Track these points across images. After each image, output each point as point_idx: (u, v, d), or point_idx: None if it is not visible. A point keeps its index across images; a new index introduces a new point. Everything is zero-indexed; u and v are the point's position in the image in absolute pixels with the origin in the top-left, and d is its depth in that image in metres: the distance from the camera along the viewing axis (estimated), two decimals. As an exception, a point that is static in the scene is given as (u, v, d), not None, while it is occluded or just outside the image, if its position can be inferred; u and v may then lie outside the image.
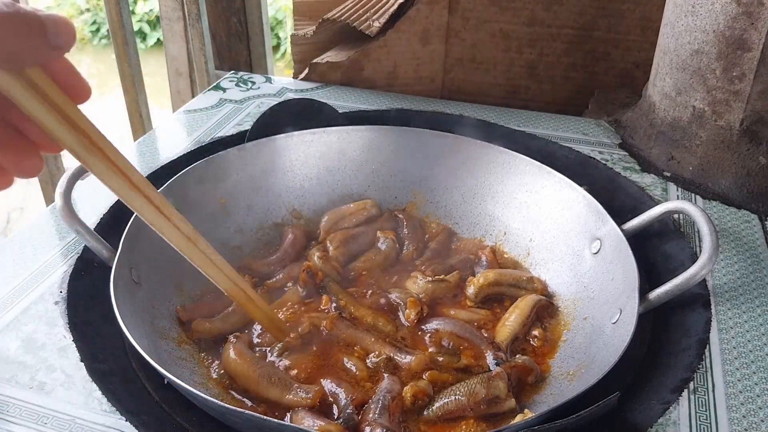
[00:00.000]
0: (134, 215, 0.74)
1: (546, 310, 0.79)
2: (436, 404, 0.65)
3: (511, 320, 0.75)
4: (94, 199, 0.89)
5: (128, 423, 0.60)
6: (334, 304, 0.78)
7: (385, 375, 0.67)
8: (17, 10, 0.35)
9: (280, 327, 0.73)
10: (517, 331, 0.74)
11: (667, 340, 0.73)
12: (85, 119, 0.43)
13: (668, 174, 0.98)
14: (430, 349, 0.72)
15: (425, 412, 0.65)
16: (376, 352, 0.70)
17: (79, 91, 0.42)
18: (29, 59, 0.38)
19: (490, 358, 0.70)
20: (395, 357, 0.70)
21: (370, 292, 0.81)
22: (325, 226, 0.90)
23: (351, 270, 0.85)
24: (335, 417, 0.63)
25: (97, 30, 4.38)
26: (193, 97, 1.49)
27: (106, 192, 0.88)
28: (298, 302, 0.78)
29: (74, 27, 0.39)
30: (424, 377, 0.68)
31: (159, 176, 0.92)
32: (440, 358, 0.71)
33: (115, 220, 0.85)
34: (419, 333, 0.75)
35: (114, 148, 0.46)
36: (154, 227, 0.53)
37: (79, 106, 0.44)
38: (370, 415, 0.62)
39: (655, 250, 0.85)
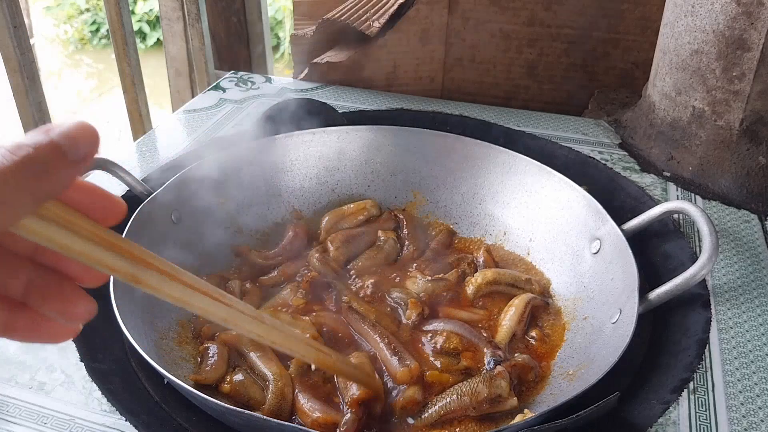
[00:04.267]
0: (133, 216, 0.75)
1: (542, 310, 0.79)
2: (439, 404, 0.65)
3: (507, 319, 0.76)
4: (94, 199, 0.89)
5: (128, 423, 0.60)
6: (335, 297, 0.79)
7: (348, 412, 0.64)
8: (30, 150, 0.30)
9: (370, 374, 0.66)
10: (515, 329, 0.75)
11: (667, 340, 0.73)
12: (122, 239, 0.37)
13: (668, 174, 0.98)
14: (428, 350, 0.72)
15: (426, 413, 0.65)
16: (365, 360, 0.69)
17: (111, 211, 0.36)
18: (53, 194, 0.33)
19: (488, 357, 0.70)
20: (388, 361, 0.70)
21: (370, 290, 0.81)
22: (326, 227, 0.90)
23: (352, 270, 0.85)
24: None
25: (97, 30, 4.38)
26: (193, 97, 1.49)
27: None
28: (294, 303, 0.78)
29: (94, 130, 0.33)
30: (427, 374, 0.68)
31: (159, 176, 0.92)
32: (439, 361, 0.71)
33: (115, 220, 0.84)
34: (419, 333, 0.75)
35: (158, 258, 0.40)
36: (226, 322, 0.46)
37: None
38: None
39: (655, 250, 0.85)
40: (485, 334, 0.74)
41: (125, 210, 0.37)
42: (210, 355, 0.70)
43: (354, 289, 0.81)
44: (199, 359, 0.70)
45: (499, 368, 0.67)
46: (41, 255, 0.36)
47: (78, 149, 0.32)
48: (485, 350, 0.71)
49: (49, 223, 0.33)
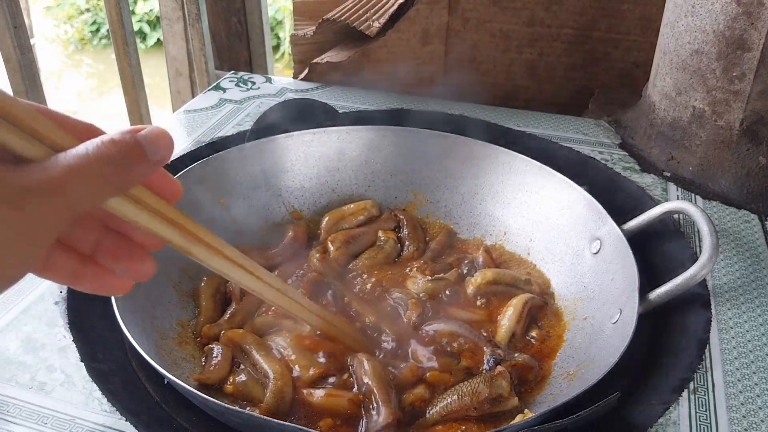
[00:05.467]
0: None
1: (540, 310, 0.79)
2: (439, 405, 0.64)
3: (506, 319, 0.76)
4: (94, 199, 0.89)
5: (128, 423, 0.60)
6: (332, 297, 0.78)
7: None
8: (119, 147, 0.37)
9: (369, 342, 0.73)
10: (513, 329, 0.75)
11: (667, 340, 0.73)
12: (181, 214, 0.45)
13: (668, 174, 0.98)
14: (429, 350, 0.72)
15: (427, 414, 0.65)
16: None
17: (171, 191, 0.44)
18: (133, 184, 0.40)
19: (488, 356, 0.70)
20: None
21: (370, 290, 0.81)
22: (326, 227, 0.90)
23: (352, 270, 0.85)
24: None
25: (97, 30, 4.38)
26: (193, 97, 1.49)
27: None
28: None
29: (171, 138, 0.40)
30: (425, 376, 0.68)
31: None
32: (438, 363, 0.71)
33: (115, 220, 0.85)
34: (420, 333, 0.75)
35: (207, 232, 0.49)
36: (255, 292, 0.56)
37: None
38: None
39: (655, 250, 0.85)
40: (485, 334, 0.74)
41: (182, 191, 0.45)
42: (214, 355, 0.70)
43: (354, 289, 0.81)
44: (203, 360, 0.71)
45: (499, 368, 0.67)
46: (111, 220, 0.43)
47: (157, 152, 0.39)
48: (485, 350, 0.71)
49: (123, 199, 0.41)
